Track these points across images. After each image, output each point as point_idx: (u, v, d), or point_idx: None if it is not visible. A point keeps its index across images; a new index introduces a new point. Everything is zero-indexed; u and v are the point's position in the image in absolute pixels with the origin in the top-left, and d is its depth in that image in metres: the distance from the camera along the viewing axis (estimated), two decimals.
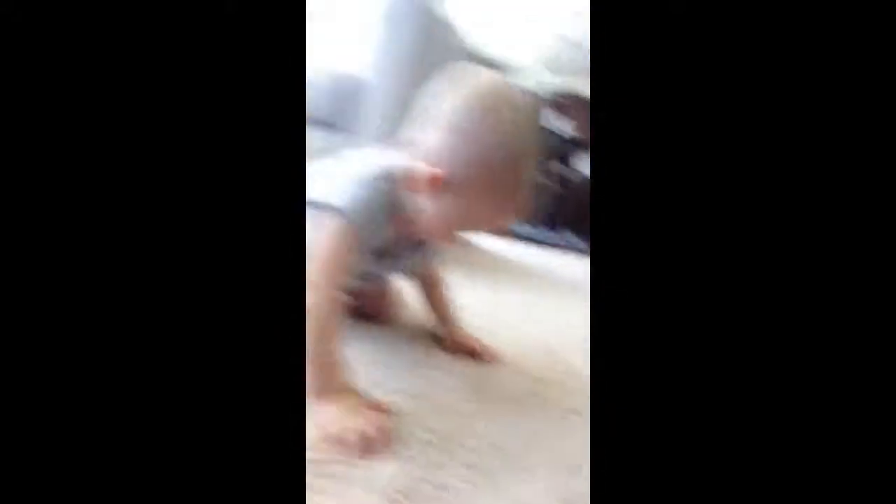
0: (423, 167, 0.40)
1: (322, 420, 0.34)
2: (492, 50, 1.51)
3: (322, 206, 0.42)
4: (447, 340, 0.57)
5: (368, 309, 0.60)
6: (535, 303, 0.95)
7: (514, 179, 0.40)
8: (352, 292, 0.63)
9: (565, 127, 2.54)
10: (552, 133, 2.35)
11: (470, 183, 0.39)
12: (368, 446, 0.33)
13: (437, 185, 0.40)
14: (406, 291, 0.64)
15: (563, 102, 2.50)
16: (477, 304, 0.75)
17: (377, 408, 0.38)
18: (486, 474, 0.34)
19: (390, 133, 1.02)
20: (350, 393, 0.37)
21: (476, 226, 0.44)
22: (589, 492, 0.35)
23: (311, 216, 0.44)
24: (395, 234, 0.46)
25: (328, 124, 1.10)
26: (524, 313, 0.85)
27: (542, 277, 1.28)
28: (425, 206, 0.42)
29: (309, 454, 0.30)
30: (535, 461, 0.37)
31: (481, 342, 0.57)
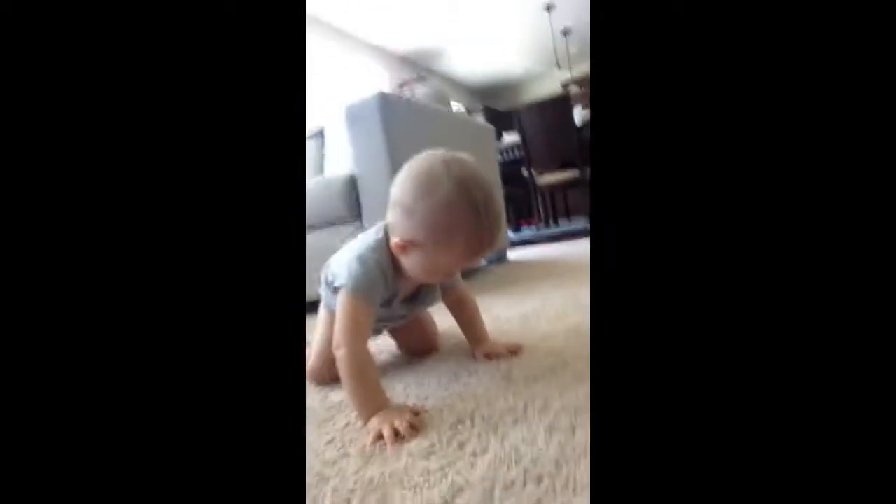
0: (392, 238, 0.56)
1: (370, 427, 0.48)
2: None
3: (337, 286, 0.59)
4: (480, 357, 0.67)
5: (416, 344, 0.75)
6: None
7: (464, 233, 0.52)
8: (396, 335, 0.78)
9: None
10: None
11: (423, 244, 0.54)
12: (398, 437, 0.46)
13: (401, 250, 0.55)
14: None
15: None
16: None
17: (411, 410, 0.51)
18: (497, 430, 0.44)
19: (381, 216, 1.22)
20: (388, 407, 0.51)
21: (445, 271, 0.58)
22: (590, 433, 0.44)
23: (333, 295, 0.61)
24: (400, 285, 0.61)
25: (348, 219, 1.32)
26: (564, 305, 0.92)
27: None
28: (405, 263, 0.57)
29: (367, 450, 0.44)
30: (534, 413, 0.46)
31: (507, 346, 0.67)
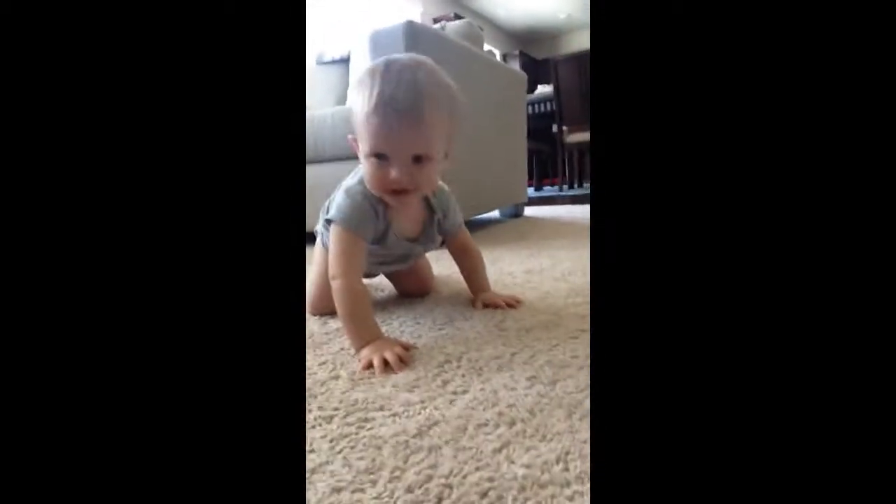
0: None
1: (361, 356, 0.50)
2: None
3: (328, 218, 0.59)
4: (478, 305, 0.68)
5: (412, 287, 0.76)
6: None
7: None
8: (391, 278, 0.79)
9: None
10: None
11: (368, 144, 0.51)
12: (387, 367, 0.47)
13: (354, 149, 0.55)
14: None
15: None
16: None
17: (401, 345, 0.52)
18: (480, 374, 0.46)
19: None
20: (380, 339, 0.53)
21: (379, 177, 0.52)
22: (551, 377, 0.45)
23: (326, 229, 0.61)
24: (393, 218, 0.60)
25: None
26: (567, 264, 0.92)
27: None
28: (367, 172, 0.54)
29: (356, 375, 0.46)
30: (520, 363, 0.47)
31: (506, 298, 0.68)
